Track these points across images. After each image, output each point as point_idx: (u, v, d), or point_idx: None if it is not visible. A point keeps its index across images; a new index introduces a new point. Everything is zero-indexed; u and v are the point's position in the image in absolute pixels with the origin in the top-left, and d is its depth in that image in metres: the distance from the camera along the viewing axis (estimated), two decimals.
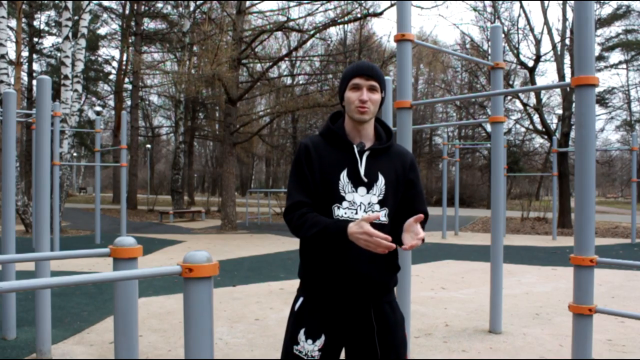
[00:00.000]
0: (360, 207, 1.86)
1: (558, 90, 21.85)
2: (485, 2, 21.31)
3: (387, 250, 1.67)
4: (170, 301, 6.02)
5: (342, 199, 1.87)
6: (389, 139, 1.98)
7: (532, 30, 22.15)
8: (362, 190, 1.88)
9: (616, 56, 42.10)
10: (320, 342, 1.86)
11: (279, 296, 6.38)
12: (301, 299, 1.94)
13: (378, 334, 1.88)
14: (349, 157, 1.91)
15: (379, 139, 1.97)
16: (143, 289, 6.55)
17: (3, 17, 12.78)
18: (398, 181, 1.94)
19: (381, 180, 1.90)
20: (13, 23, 22.23)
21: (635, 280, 7.65)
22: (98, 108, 31.84)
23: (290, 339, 1.91)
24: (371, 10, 15.64)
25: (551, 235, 14.31)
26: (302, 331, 1.89)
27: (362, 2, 15.31)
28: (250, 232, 15.37)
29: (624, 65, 24.24)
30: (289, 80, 19.60)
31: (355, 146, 1.91)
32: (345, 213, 1.86)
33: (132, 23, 25.44)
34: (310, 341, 1.87)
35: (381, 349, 1.88)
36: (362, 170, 1.88)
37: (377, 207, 1.89)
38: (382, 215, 1.89)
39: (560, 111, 20.67)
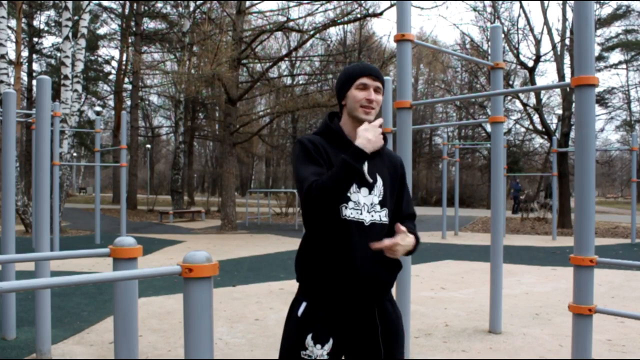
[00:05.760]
0: (364, 207, 1.89)
1: (558, 90, 21.85)
2: (485, 2, 21.30)
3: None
4: (170, 301, 6.02)
5: (348, 199, 1.87)
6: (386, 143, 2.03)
7: (532, 30, 22.14)
8: (364, 190, 1.90)
9: (616, 56, 42.04)
10: (328, 346, 1.86)
11: (279, 296, 6.38)
12: (304, 304, 1.90)
13: (382, 333, 1.90)
14: None
15: None
16: (143, 289, 6.55)
17: (3, 17, 12.78)
18: (392, 182, 2.00)
19: (380, 181, 1.94)
20: (13, 23, 22.22)
21: (635, 280, 7.65)
22: (98, 108, 31.85)
23: (296, 345, 1.87)
24: (371, 11, 15.62)
25: (551, 235, 14.31)
26: (309, 336, 1.86)
27: (362, 2, 15.31)
28: (250, 232, 15.37)
29: (624, 65, 24.24)
30: (288, 80, 19.60)
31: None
32: (352, 213, 1.87)
33: (132, 23, 25.42)
34: (319, 346, 1.85)
35: (385, 347, 1.90)
36: (366, 172, 1.91)
37: (378, 207, 1.91)
38: (383, 216, 1.93)
39: (560, 111, 20.67)
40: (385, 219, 1.92)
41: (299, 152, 1.88)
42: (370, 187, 1.91)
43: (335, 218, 1.87)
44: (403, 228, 1.83)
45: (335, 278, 1.85)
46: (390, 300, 1.98)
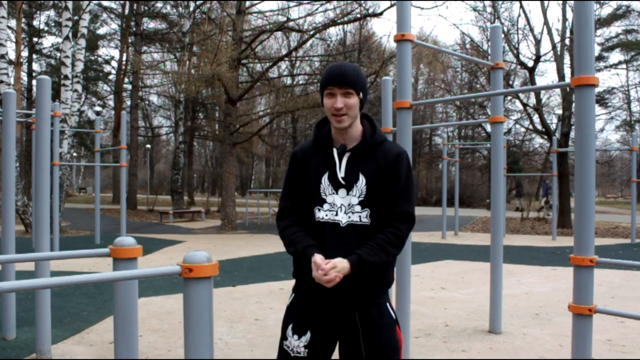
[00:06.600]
0: (340, 208, 1.90)
1: (558, 90, 21.85)
2: (485, 2, 21.29)
3: (334, 281, 1.77)
4: (170, 301, 6.02)
5: (323, 201, 1.91)
6: (372, 138, 1.96)
7: (532, 30, 22.09)
8: (342, 192, 1.91)
9: (616, 56, 41.98)
10: (305, 338, 1.90)
11: (279, 296, 6.38)
12: (292, 296, 2.03)
13: (363, 336, 1.88)
14: (330, 160, 1.94)
15: (365, 139, 1.97)
16: (143, 289, 6.55)
17: (3, 17, 12.77)
18: (381, 179, 1.90)
19: (362, 180, 1.90)
20: (13, 23, 22.20)
21: (635, 280, 7.65)
22: (98, 108, 31.79)
23: (282, 335, 1.98)
24: (371, 11, 15.61)
25: (551, 235, 14.31)
26: (290, 327, 1.95)
27: (362, 2, 15.30)
28: (250, 232, 15.37)
29: (624, 65, 24.26)
30: (288, 80, 19.59)
31: (335, 149, 1.94)
32: (326, 215, 1.90)
33: (132, 23, 25.42)
34: (296, 337, 1.91)
35: (366, 351, 1.88)
36: (339, 173, 1.91)
37: (357, 207, 1.89)
38: (364, 217, 1.89)
39: (560, 111, 20.65)
40: (366, 220, 1.89)
41: (288, 165, 2.05)
42: (348, 188, 1.90)
43: (310, 221, 1.92)
44: (329, 263, 1.80)
45: (310, 279, 1.87)
46: (378, 306, 1.91)
